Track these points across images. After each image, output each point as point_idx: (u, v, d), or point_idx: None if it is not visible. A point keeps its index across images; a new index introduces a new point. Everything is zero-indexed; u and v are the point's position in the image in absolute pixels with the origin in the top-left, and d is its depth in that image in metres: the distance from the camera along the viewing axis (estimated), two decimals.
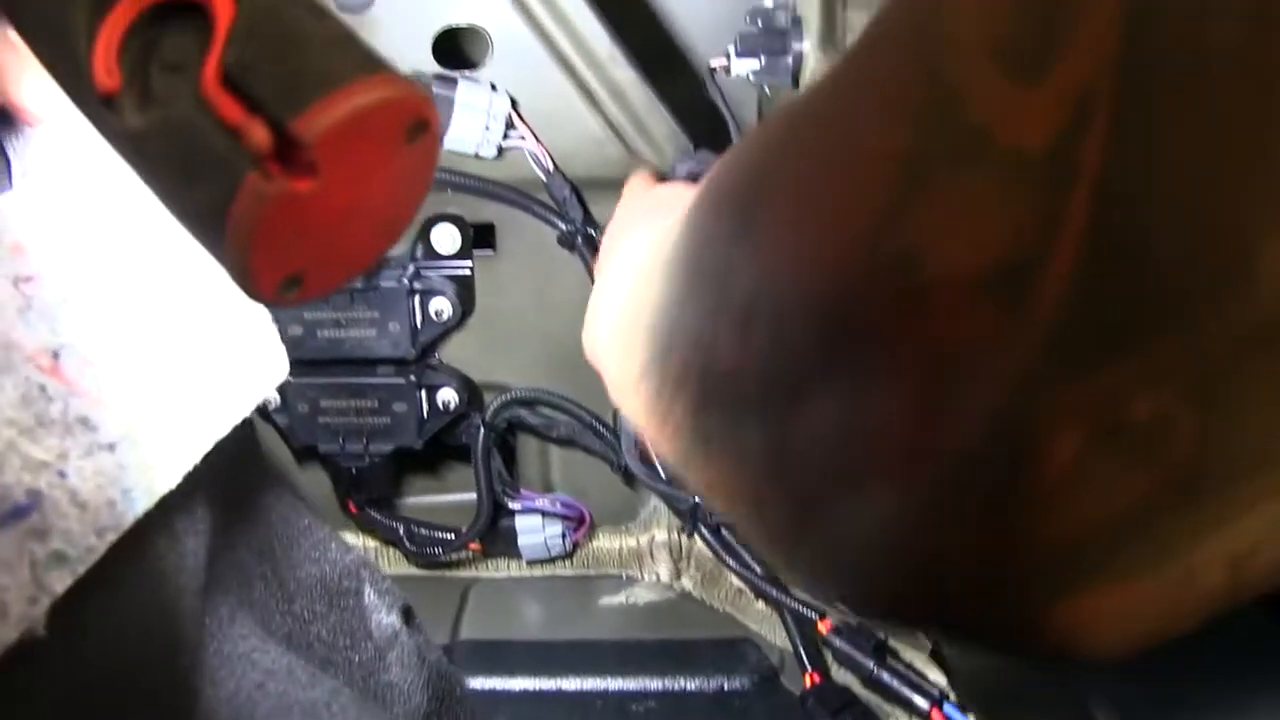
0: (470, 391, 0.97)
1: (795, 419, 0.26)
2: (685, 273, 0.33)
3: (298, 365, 0.91)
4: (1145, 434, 0.21)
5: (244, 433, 0.50)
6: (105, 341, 0.45)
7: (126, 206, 0.54)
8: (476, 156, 0.88)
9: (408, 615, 0.70)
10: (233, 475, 0.54)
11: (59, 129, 0.51)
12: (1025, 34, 0.21)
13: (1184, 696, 0.31)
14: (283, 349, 0.58)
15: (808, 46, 0.72)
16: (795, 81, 0.72)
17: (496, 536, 1.02)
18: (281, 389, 0.93)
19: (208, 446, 0.48)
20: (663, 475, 0.94)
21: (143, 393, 0.45)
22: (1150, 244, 0.20)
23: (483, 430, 0.96)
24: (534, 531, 1.01)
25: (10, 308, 0.40)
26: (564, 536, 1.01)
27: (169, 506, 0.45)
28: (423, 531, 1.01)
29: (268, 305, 0.30)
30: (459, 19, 0.86)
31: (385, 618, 0.68)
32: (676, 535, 1.03)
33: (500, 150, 0.88)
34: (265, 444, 0.63)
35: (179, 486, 0.44)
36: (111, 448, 0.40)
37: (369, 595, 0.68)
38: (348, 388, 0.94)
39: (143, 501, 0.40)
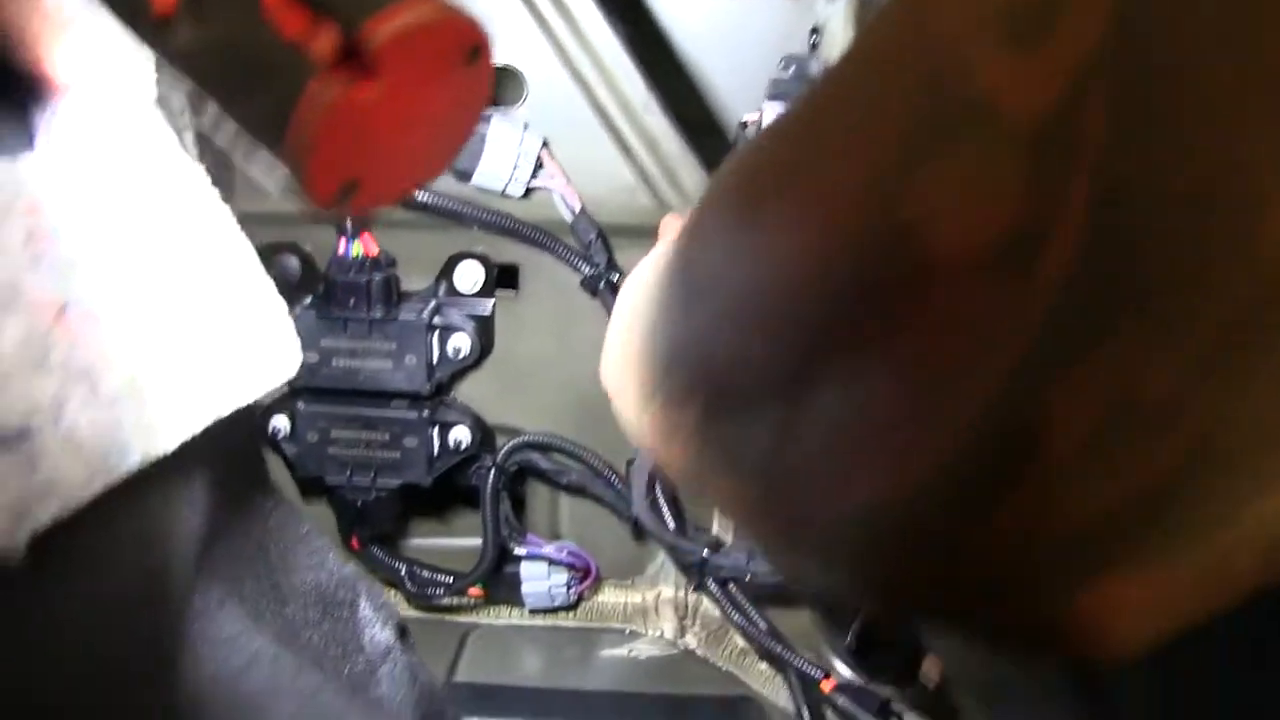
0: (483, 432, 0.97)
1: (799, 416, 0.26)
2: (683, 283, 0.33)
3: (311, 393, 0.91)
4: (1159, 408, 0.20)
5: (248, 437, 0.50)
6: (115, 303, 0.45)
7: (148, 180, 0.54)
8: (504, 194, 0.89)
9: (403, 633, 0.69)
10: (233, 473, 0.54)
11: (84, 95, 0.51)
12: (1023, 2, 0.21)
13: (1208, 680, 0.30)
14: (297, 344, 0.58)
15: None
16: None
17: (500, 582, 1.00)
18: (292, 416, 0.93)
19: (209, 421, 0.47)
20: (671, 527, 0.93)
21: (148, 357, 0.45)
22: (1155, 213, 0.19)
23: (493, 471, 0.95)
24: (539, 579, 0.99)
25: (21, 258, 0.40)
26: (569, 587, 1.00)
27: (167, 472, 0.44)
28: (424, 573, 1.00)
29: (324, 211, 0.30)
30: (496, 59, 0.87)
31: (379, 633, 0.67)
32: (683, 593, 1.02)
33: (528, 190, 0.89)
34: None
35: (177, 456, 0.44)
36: (111, 404, 0.40)
37: (364, 608, 0.67)
38: (360, 419, 0.93)
39: (138, 458, 0.40)
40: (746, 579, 0.90)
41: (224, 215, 0.57)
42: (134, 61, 0.55)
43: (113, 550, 0.40)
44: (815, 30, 0.81)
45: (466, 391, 0.97)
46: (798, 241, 0.26)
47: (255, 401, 0.48)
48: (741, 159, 0.32)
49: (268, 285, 0.58)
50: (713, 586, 0.91)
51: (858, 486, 0.25)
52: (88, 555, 0.38)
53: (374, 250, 0.89)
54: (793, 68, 0.72)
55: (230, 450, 0.51)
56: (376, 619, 0.67)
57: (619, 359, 0.45)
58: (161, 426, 0.43)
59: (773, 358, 0.27)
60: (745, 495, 0.30)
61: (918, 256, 0.22)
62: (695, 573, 0.90)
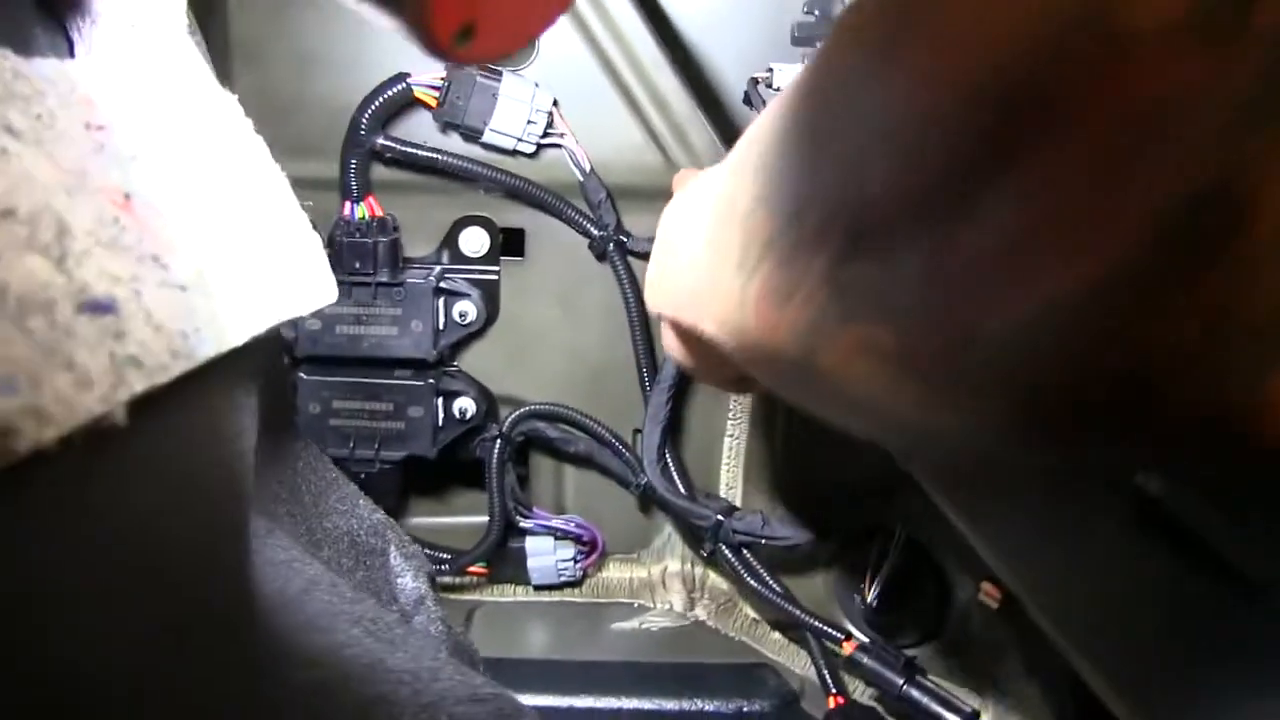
0: (488, 403, 0.95)
1: (963, 230, 0.25)
2: (814, 125, 0.32)
3: (312, 362, 0.89)
4: None
5: (281, 379, 0.49)
6: (174, 201, 0.44)
7: (188, 100, 0.53)
8: (515, 152, 0.87)
9: (433, 582, 0.67)
10: (269, 410, 0.52)
11: (122, 13, 0.50)
12: None
13: None
14: (332, 274, 0.57)
15: None
16: None
17: (505, 558, 0.98)
18: (293, 387, 0.91)
19: (268, 325, 0.46)
20: (683, 492, 0.91)
21: (209, 255, 0.44)
22: None
23: (499, 442, 0.93)
24: (545, 554, 0.97)
25: (84, 145, 0.39)
26: (575, 561, 0.98)
27: (230, 376, 0.43)
28: (428, 550, 0.97)
29: (442, 57, 0.29)
30: None
31: (411, 582, 0.65)
32: (690, 566, 1.00)
33: (539, 147, 0.88)
34: None
35: (236, 364, 0.42)
36: (183, 289, 0.38)
37: (394, 557, 0.65)
38: (363, 388, 0.91)
39: (211, 344, 0.38)
40: (762, 543, 0.88)
41: (260, 144, 0.56)
42: None
43: (191, 435, 0.38)
44: None
45: (471, 362, 0.95)
46: (977, 35, 0.25)
47: (287, 348, 0.47)
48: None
49: (303, 215, 0.57)
50: (726, 553, 0.89)
51: (1037, 285, 0.24)
52: (170, 435, 0.37)
53: (379, 212, 0.87)
54: (816, 11, 0.72)
55: (268, 386, 0.49)
56: (408, 568, 0.66)
57: (691, 248, 0.44)
58: (228, 321, 0.41)
59: (934, 180, 0.26)
60: (884, 338, 0.29)
61: (1113, 33, 0.21)
62: (710, 538, 0.88)
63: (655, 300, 0.55)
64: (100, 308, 0.33)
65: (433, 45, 0.29)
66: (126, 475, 0.33)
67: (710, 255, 0.41)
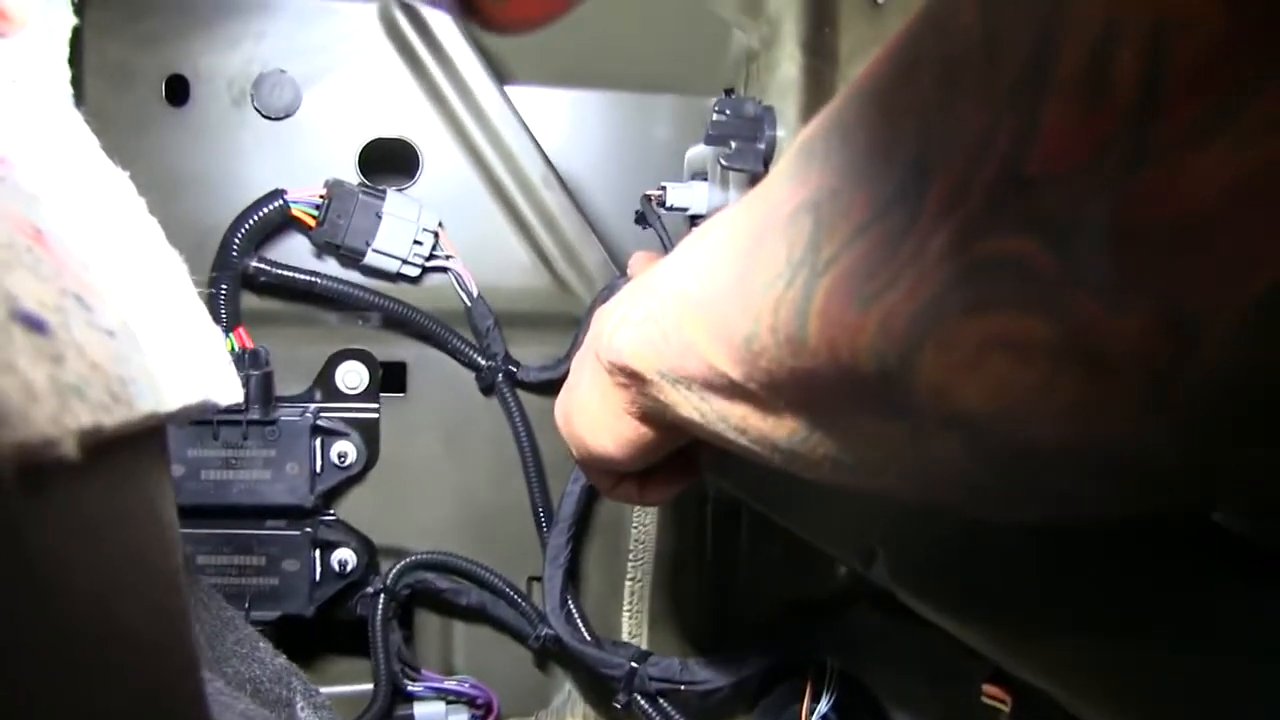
0: (369, 554, 0.86)
1: (1181, 177, 0.20)
2: (919, 88, 0.27)
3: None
4: None
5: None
6: (83, 247, 0.37)
7: (82, 168, 0.47)
8: (398, 276, 0.82)
9: None
10: None
11: (33, 39, 0.44)
12: None
13: None
14: (236, 375, 0.50)
15: (782, 133, 0.70)
16: (766, 167, 0.69)
17: None
18: None
19: (190, 400, 0.40)
20: (589, 639, 0.84)
21: (126, 311, 0.37)
22: None
23: (382, 596, 0.85)
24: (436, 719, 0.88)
25: None
26: None
27: (158, 451, 0.36)
28: None
29: (476, 13, 0.24)
30: (387, 130, 0.82)
31: None
32: None
33: (423, 271, 0.82)
34: None
35: (160, 439, 0.36)
36: (111, 334, 0.32)
37: (301, 709, 0.57)
38: (232, 540, 0.81)
39: (150, 399, 0.31)
40: (680, 690, 0.81)
41: (154, 224, 0.50)
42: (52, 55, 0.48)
43: (132, 507, 0.31)
44: (751, 58, 0.79)
45: (348, 508, 0.87)
46: None
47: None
48: None
49: (201, 306, 0.50)
50: (642, 704, 0.82)
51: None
52: (112, 498, 0.29)
53: (249, 344, 0.80)
54: (728, 110, 0.69)
55: None
56: None
57: (725, 258, 0.38)
58: (161, 380, 0.35)
59: (1138, 101, 0.21)
60: (1037, 330, 0.24)
61: None
62: (623, 688, 0.81)
63: (629, 354, 0.48)
64: (33, 322, 0.26)
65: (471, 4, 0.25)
66: (72, 530, 0.26)
67: (728, 277, 0.36)
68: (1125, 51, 0.20)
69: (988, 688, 0.56)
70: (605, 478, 0.60)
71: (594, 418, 0.53)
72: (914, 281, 0.26)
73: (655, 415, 0.48)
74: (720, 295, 0.37)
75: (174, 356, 0.42)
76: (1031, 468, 0.28)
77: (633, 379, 0.46)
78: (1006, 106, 0.23)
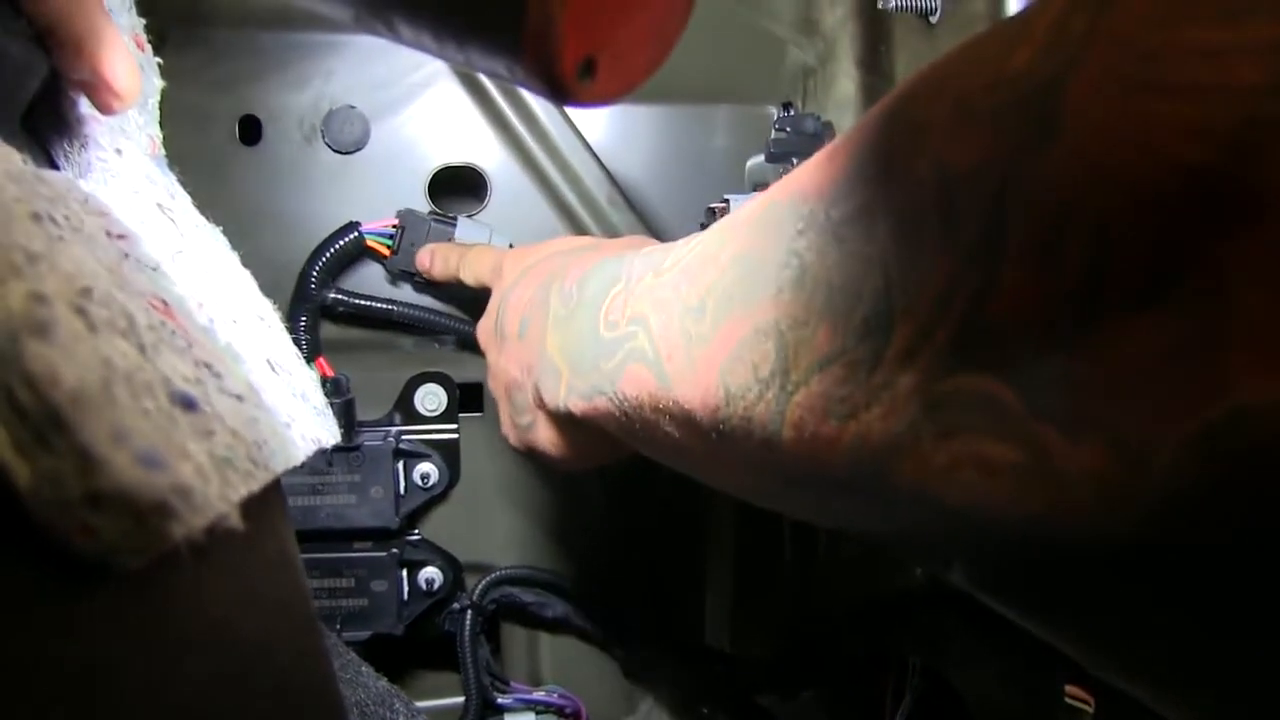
0: (455, 571, 0.88)
1: (1134, 329, 0.21)
2: (881, 235, 0.28)
3: None
4: None
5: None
6: (200, 312, 0.39)
7: (190, 224, 0.49)
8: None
9: None
10: None
11: (108, 133, 0.46)
12: None
13: None
14: (334, 418, 0.52)
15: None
16: None
17: None
18: None
19: (308, 452, 0.42)
20: (675, 644, 0.86)
21: (248, 372, 0.39)
22: None
23: (469, 612, 0.87)
24: None
25: (112, 250, 0.34)
26: None
27: (283, 501, 0.38)
28: None
29: (564, 97, 0.25)
30: (454, 158, 0.83)
31: None
32: None
33: None
34: None
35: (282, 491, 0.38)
36: (240, 399, 0.33)
37: None
38: (321, 564, 0.84)
39: (280, 459, 0.33)
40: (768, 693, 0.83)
41: (249, 277, 0.52)
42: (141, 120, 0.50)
43: (273, 559, 0.33)
44: (808, 73, 0.80)
45: (432, 528, 0.89)
46: (1137, 147, 0.22)
47: None
48: None
49: (296, 352, 0.52)
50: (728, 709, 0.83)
51: (1229, 391, 0.20)
52: (259, 553, 0.31)
53: (330, 373, 0.82)
54: (789, 128, 0.71)
55: None
56: None
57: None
58: (286, 437, 0.36)
59: (1086, 284, 0.23)
60: (1005, 453, 0.25)
61: None
62: (710, 693, 0.82)
63: (580, 414, 0.50)
64: (187, 402, 0.28)
65: (557, 82, 0.26)
66: (235, 589, 0.28)
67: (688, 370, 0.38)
68: (1074, 243, 0.22)
69: (1070, 688, 0.56)
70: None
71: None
72: (886, 408, 0.28)
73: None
74: (683, 386, 0.38)
75: (287, 409, 0.44)
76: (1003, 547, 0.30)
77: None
78: (965, 265, 0.25)
